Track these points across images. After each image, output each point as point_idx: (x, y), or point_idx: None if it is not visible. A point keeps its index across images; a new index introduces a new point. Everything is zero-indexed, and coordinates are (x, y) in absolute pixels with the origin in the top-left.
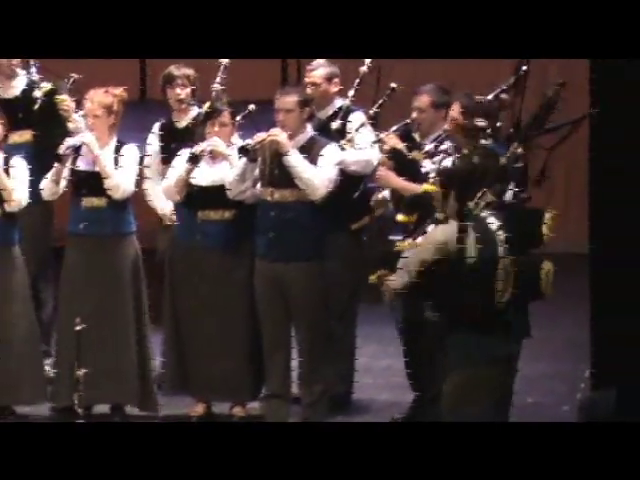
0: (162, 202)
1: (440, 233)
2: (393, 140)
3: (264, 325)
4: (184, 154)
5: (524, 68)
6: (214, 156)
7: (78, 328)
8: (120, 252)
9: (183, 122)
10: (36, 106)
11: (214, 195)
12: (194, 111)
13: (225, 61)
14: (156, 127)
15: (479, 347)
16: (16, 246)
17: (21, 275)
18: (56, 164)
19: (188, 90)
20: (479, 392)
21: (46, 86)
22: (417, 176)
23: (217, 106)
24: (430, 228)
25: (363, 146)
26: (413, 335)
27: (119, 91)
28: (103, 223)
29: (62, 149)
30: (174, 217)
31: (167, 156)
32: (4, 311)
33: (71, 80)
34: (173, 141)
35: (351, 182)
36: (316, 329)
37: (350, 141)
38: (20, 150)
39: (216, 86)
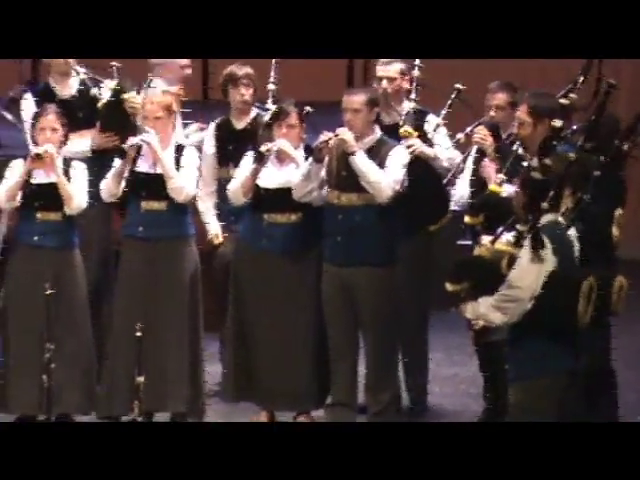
0: (213, 219)
1: (533, 278)
2: (482, 134)
3: (331, 332)
4: (250, 155)
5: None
6: (281, 158)
7: (139, 334)
8: (179, 256)
9: (242, 123)
10: (99, 104)
11: (281, 198)
12: (254, 112)
13: (277, 59)
14: (212, 128)
15: (544, 358)
16: (76, 249)
17: (81, 279)
18: (119, 163)
19: (251, 90)
20: (542, 403)
21: (111, 83)
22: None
23: (284, 107)
24: (506, 236)
25: (445, 146)
26: (489, 349)
27: (176, 90)
28: (162, 226)
29: (126, 146)
30: (221, 238)
31: (224, 158)
32: (64, 314)
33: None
34: (230, 143)
35: (426, 183)
36: (384, 337)
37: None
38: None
39: (271, 85)
